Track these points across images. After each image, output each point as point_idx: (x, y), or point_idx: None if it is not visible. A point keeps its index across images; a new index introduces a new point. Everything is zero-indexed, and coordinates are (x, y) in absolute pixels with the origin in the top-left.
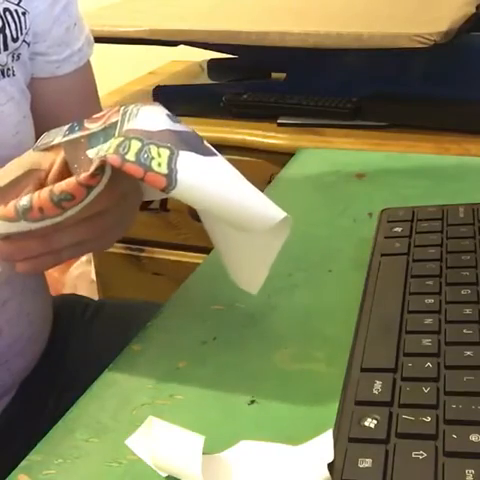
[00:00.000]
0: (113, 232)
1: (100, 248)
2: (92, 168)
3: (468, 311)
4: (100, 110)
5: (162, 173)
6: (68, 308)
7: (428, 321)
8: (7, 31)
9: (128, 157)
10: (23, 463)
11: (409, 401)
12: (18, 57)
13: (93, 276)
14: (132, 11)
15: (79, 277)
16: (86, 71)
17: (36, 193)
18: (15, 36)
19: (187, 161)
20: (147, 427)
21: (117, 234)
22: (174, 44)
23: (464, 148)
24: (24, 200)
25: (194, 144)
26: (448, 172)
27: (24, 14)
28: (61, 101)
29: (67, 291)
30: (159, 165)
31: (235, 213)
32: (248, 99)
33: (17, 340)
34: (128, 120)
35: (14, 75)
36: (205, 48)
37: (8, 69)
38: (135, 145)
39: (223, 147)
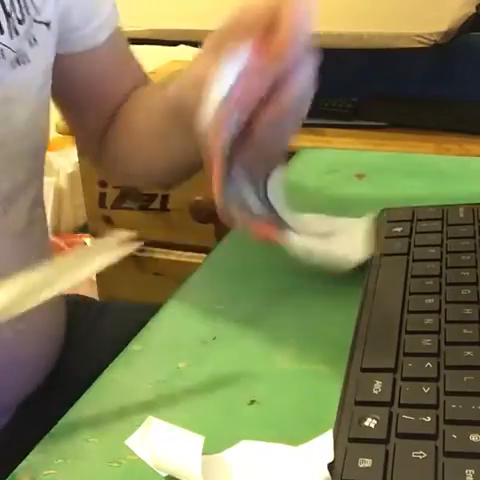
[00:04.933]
0: None
1: None
2: None
3: (468, 311)
4: (138, 67)
5: None
6: (69, 308)
7: (428, 321)
8: (14, 15)
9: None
10: (23, 463)
11: (409, 401)
12: (35, 40)
13: (93, 276)
14: (132, 11)
15: None
16: (118, 33)
17: None
18: (21, 18)
19: None
20: (147, 427)
21: None
22: (174, 44)
23: (464, 148)
24: None
25: None
26: (448, 172)
27: None
28: (100, 71)
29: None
30: None
31: None
32: None
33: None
34: None
35: (29, 62)
36: None
37: (22, 55)
38: None
39: None
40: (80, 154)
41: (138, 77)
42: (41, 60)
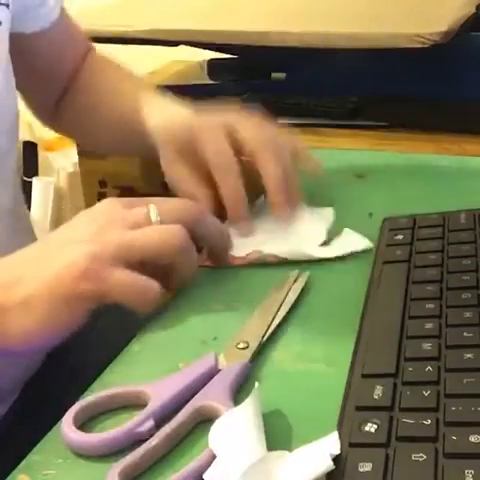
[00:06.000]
0: None
1: None
2: None
3: (468, 314)
4: (81, 35)
5: None
6: None
7: (429, 326)
8: None
9: None
10: (23, 463)
11: (409, 405)
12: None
13: None
14: (132, 11)
15: None
16: (65, 12)
17: None
18: None
19: None
20: None
21: None
22: (174, 44)
23: (464, 148)
24: None
25: None
26: (448, 172)
27: None
28: (49, 50)
29: None
30: None
31: None
32: (248, 99)
33: None
34: None
35: None
36: (205, 48)
37: None
38: None
39: None
40: (44, 122)
41: (83, 46)
42: (5, 41)
